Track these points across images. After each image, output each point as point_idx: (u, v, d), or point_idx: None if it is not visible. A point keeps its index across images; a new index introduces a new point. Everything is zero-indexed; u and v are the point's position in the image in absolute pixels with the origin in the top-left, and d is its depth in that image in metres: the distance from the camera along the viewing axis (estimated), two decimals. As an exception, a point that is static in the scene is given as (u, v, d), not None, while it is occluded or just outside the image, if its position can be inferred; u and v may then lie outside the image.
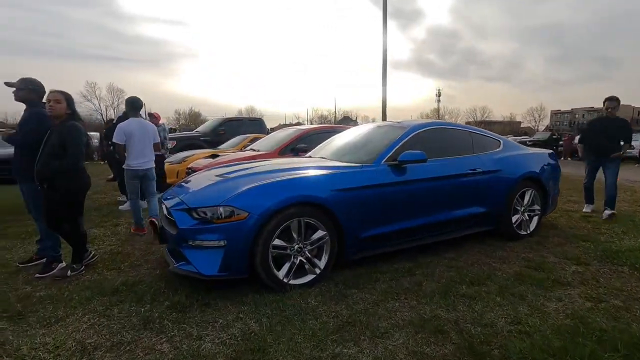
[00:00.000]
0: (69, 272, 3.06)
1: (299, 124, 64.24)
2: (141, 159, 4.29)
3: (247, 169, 3.23)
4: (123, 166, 4.37)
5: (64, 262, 3.30)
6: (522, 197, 3.92)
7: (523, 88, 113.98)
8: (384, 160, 3.15)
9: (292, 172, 2.96)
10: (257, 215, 2.53)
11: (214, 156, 6.44)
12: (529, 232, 3.96)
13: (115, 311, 2.45)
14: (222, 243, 2.52)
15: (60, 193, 2.94)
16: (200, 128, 11.91)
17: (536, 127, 73.80)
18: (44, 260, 3.24)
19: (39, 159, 2.89)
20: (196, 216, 2.60)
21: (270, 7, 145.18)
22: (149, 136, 4.37)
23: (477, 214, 3.62)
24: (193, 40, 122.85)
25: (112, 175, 8.69)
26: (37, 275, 3.07)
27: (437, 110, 77.63)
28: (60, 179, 2.92)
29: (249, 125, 11.91)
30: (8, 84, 3.34)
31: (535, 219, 4.04)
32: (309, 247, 2.78)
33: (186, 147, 9.97)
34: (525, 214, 3.96)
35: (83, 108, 51.35)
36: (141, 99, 6.38)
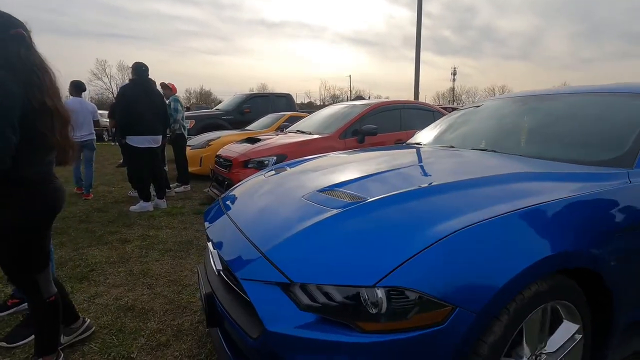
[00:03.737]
0: (32, 376, 1.57)
1: (310, 103, 61.76)
2: (80, 132, 4.94)
3: (375, 174, 1.64)
4: None
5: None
6: None
7: (545, 66, 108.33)
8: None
9: (490, 187, 1.37)
10: (477, 311, 0.98)
11: (251, 140, 4.87)
12: None
13: None
14: (384, 382, 0.99)
15: None
16: (222, 105, 10.25)
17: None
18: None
19: None
20: (310, 304, 1.06)
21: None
22: (88, 114, 5.11)
23: None
24: (202, 18, 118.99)
25: (123, 160, 7.16)
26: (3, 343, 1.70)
27: (453, 89, 74.80)
28: None
29: (276, 101, 10.22)
30: None
31: None
32: (545, 360, 1.24)
33: (206, 128, 8.43)
34: None
35: (94, 87, 49.95)
36: (150, 77, 4.90)
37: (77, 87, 5.08)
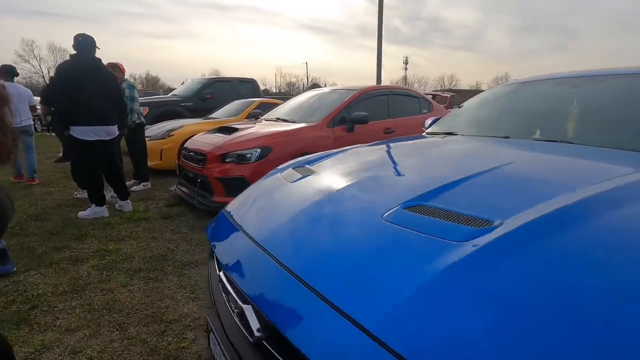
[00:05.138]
0: None
1: (266, 91, 60.05)
2: (18, 118, 4.68)
3: (464, 179, 1.15)
4: None
5: None
6: None
7: (487, 57, 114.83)
8: None
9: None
10: None
11: (226, 130, 4.20)
12: None
13: None
14: None
15: None
16: (179, 91, 9.23)
17: (504, 96, 76.60)
18: None
19: None
20: None
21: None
22: (24, 99, 4.96)
23: None
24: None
25: (62, 153, 6.01)
26: None
27: (405, 78, 76.81)
28: None
29: (240, 87, 9.41)
30: None
31: None
32: None
33: (162, 116, 7.49)
34: None
35: (20, 70, 44.60)
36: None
37: (9, 72, 4.95)
